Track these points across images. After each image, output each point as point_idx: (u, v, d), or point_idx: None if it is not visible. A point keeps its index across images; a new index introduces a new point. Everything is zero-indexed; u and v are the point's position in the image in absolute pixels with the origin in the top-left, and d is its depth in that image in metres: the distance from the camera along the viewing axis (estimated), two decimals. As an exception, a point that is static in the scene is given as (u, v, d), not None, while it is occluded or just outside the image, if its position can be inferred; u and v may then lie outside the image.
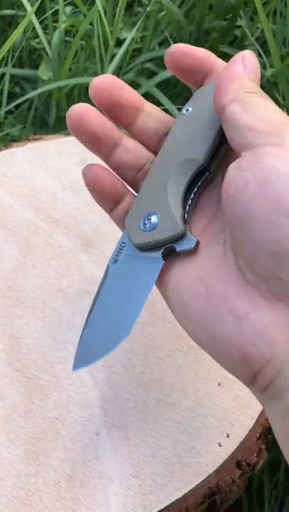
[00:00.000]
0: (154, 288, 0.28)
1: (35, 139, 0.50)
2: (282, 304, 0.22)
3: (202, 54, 0.29)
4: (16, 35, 0.46)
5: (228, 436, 0.33)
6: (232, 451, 0.33)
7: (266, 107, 0.24)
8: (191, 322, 0.26)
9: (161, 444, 0.33)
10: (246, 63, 0.26)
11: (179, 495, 0.31)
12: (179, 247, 0.26)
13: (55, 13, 0.76)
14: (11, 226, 0.44)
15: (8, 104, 0.67)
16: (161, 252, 0.27)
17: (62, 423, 0.34)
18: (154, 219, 0.27)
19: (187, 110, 0.29)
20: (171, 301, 0.27)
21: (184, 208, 0.27)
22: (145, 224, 0.27)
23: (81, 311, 0.39)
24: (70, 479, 0.32)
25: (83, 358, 0.29)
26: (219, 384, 0.35)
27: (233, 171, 0.24)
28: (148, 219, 0.27)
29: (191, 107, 0.29)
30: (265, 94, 0.26)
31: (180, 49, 0.28)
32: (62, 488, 0.31)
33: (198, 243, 0.26)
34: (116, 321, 0.28)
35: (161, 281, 0.27)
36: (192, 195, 0.27)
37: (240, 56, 0.26)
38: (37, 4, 0.49)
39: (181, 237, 0.26)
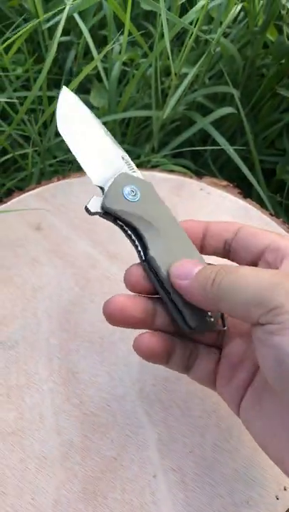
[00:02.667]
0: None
1: (92, 170, 0.51)
2: None
3: None
4: (89, 68, 0.48)
5: (285, 489, 0.33)
6: (289, 504, 0.33)
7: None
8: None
9: (218, 492, 0.33)
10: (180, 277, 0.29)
11: None
12: None
13: (104, 41, 0.77)
14: (69, 258, 0.44)
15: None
16: None
17: (120, 463, 0.34)
18: None
19: None
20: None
21: None
22: None
23: (138, 348, 0.39)
24: (127, 522, 0.32)
25: None
26: (276, 434, 0.35)
27: None
28: None
29: None
30: None
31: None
32: (119, 531, 0.32)
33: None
34: None
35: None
36: None
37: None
38: (105, 50, 0.50)
39: None
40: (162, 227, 0.30)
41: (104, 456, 0.34)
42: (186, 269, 0.29)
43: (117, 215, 0.30)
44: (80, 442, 0.35)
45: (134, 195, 0.30)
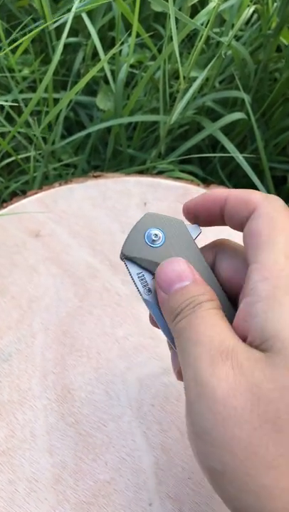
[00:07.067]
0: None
1: (96, 176, 0.49)
2: None
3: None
4: (95, 70, 0.46)
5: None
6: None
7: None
8: None
9: (217, 523, 0.31)
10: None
11: None
12: None
13: (114, 43, 0.76)
14: (68, 267, 0.43)
15: (66, 134, 0.67)
16: None
17: (114, 488, 0.32)
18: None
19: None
20: None
21: None
22: None
23: (136, 366, 0.37)
24: None
25: None
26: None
27: None
28: None
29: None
30: None
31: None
32: None
33: None
34: None
35: None
36: None
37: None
38: (112, 52, 0.49)
39: None
40: None
41: (98, 479, 0.33)
42: (168, 279, 0.25)
43: (136, 262, 0.27)
44: (74, 464, 0.33)
45: (157, 240, 0.27)
